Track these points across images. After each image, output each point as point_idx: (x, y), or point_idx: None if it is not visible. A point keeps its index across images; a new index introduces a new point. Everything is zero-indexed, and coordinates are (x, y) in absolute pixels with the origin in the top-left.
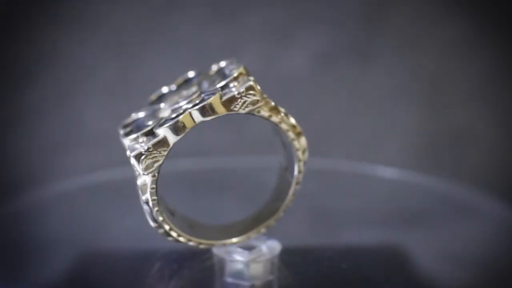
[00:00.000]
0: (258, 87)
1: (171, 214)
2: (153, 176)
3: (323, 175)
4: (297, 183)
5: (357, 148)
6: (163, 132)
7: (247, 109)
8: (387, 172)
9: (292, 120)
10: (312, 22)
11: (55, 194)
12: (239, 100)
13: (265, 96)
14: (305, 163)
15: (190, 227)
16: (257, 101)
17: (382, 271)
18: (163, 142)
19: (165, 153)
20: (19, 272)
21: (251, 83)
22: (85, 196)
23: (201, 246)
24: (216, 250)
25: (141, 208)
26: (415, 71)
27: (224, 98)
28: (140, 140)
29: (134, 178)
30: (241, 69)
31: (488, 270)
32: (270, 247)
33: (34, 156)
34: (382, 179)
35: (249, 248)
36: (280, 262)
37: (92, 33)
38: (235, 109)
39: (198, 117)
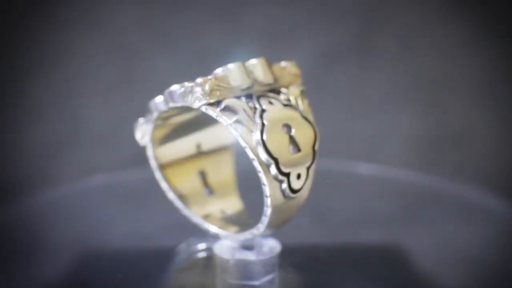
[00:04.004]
0: (207, 87)
1: (209, 192)
2: (148, 146)
3: (322, 175)
4: (266, 196)
5: (357, 148)
6: (153, 110)
7: (196, 103)
8: (387, 172)
9: (256, 134)
10: (313, 22)
11: (56, 195)
12: (191, 94)
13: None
14: (281, 182)
15: (221, 212)
16: (201, 98)
17: (382, 271)
18: (150, 118)
19: (151, 128)
20: (20, 273)
21: (200, 80)
22: (85, 197)
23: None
24: (217, 250)
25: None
26: (415, 71)
27: (181, 90)
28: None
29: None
30: (232, 67)
31: (488, 269)
32: (270, 247)
33: (34, 158)
34: (382, 179)
35: (249, 247)
36: (280, 262)
37: (93, 33)
38: (189, 101)
39: (167, 103)
